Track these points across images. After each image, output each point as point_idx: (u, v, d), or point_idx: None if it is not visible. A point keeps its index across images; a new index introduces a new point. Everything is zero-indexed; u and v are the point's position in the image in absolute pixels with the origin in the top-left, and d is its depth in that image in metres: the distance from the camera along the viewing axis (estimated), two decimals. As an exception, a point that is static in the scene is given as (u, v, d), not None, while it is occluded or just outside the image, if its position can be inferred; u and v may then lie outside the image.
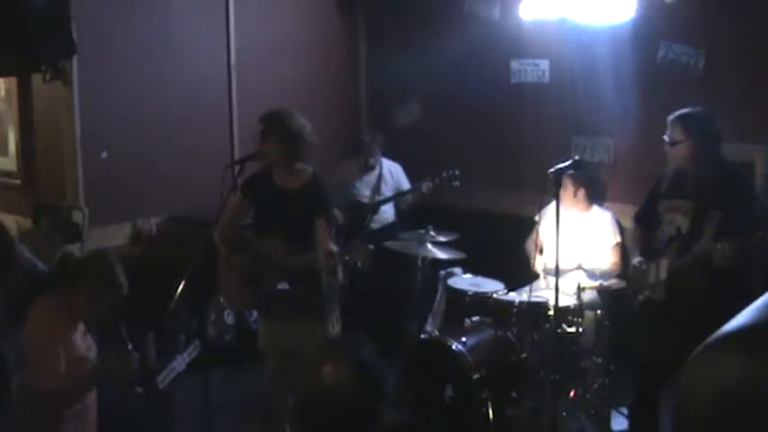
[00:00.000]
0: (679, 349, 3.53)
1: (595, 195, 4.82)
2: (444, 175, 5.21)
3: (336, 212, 5.14)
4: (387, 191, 5.56)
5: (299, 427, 1.91)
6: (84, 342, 3.10)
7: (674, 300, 3.62)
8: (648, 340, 3.76)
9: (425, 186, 5.29)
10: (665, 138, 3.72)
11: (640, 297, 3.79)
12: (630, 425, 4.02)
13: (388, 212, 5.59)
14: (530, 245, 4.74)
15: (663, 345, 3.61)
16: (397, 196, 5.55)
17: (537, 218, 4.50)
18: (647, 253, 3.85)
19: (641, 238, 3.98)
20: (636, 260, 3.89)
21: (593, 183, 4.78)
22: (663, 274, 3.66)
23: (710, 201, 3.58)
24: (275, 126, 3.66)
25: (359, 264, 3.58)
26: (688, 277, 3.58)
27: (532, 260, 4.74)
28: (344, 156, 5.93)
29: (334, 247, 3.57)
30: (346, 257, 3.55)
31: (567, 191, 4.58)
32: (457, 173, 5.19)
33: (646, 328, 3.81)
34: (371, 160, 5.60)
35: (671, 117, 3.71)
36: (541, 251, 4.76)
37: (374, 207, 5.45)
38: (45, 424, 2.98)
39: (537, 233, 4.49)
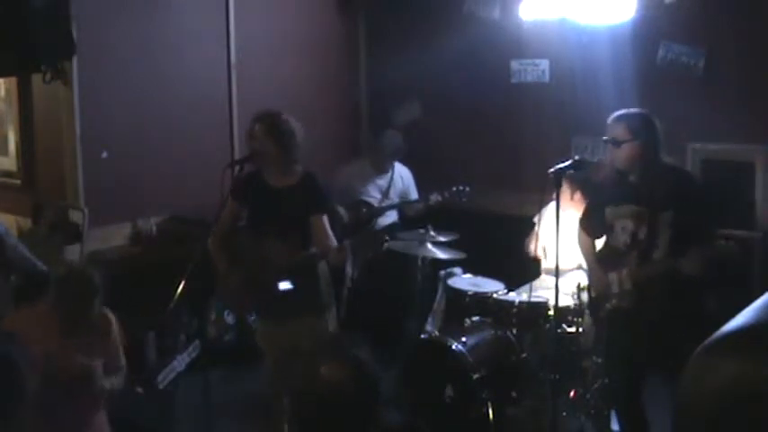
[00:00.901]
0: (654, 351, 3.56)
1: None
2: (454, 189, 5.14)
3: (341, 211, 5.15)
4: (394, 195, 5.53)
5: (296, 427, 1.91)
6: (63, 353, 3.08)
7: (643, 306, 3.59)
8: (621, 348, 3.72)
9: (433, 199, 5.25)
10: (606, 138, 3.64)
11: (608, 305, 3.76)
12: (620, 427, 4.02)
13: (390, 216, 5.57)
14: (530, 246, 4.74)
15: (637, 349, 3.61)
16: (404, 204, 5.53)
17: (536, 219, 4.49)
18: (603, 261, 3.80)
19: (590, 245, 3.91)
20: (595, 270, 3.83)
21: (591, 183, 4.76)
22: (627, 284, 3.62)
23: (660, 203, 3.53)
24: (275, 127, 3.68)
25: (369, 255, 3.57)
26: (652, 287, 3.55)
27: (534, 259, 4.73)
28: (343, 155, 5.92)
29: (343, 242, 3.58)
30: (360, 248, 3.55)
31: (565, 193, 4.57)
32: (467, 189, 5.11)
33: (618, 335, 3.77)
34: (387, 164, 5.56)
35: (612, 117, 3.63)
36: (544, 252, 4.76)
37: (379, 211, 5.44)
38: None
39: (536, 235, 4.49)
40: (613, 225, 3.70)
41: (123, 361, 3.36)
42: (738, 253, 3.39)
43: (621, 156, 3.61)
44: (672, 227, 3.51)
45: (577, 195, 4.64)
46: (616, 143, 3.59)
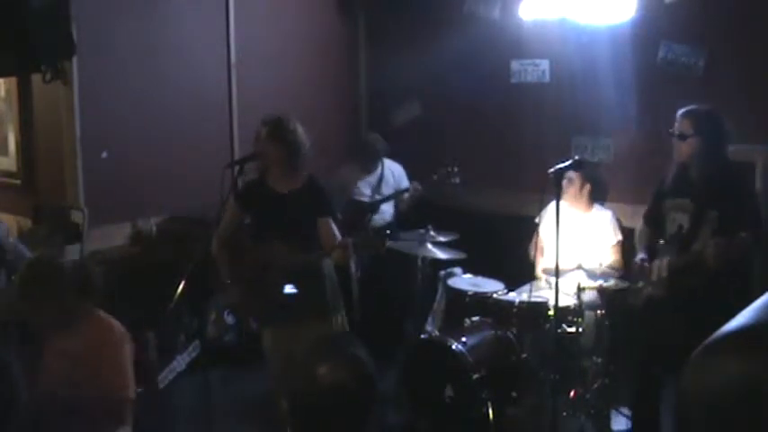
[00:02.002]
0: (680, 346, 3.57)
1: (599, 193, 4.83)
2: (444, 171, 5.17)
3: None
4: (387, 191, 5.56)
5: (295, 428, 1.90)
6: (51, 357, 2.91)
7: (675, 297, 3.63)
8: (650, 337, 3.76)
9: (412, 188, 5.31)
10: (673, 131, 3.71)
11: (644, 293, 3.81)
12: (633, 424, 4.02)
13: (387, 213, 5.58)
14: (532, 248, 4.73)
15: (665, 341, 3.62)
16: (395, 195, 5.55)
17: (537, 220, 4.49)
18: (650, 251, 3.87)
19: (648, 236, 4.00)
20: (638, 257, 3.91)
21: (599, 180, 4.78)
22: (664, 272, 3.68)
23: (709, 200, 3.59)
24: (281, 132, 3.68)
25: (372, 253, 3.56)
26: (687, 275, 3.58)
27: (535, 263, 4.74)
28: (344, 156, 5.92)
29: (348, 239, 3.57)
30: (361, 247, 3.54)
31: (574, 185, 4.58)
32: (455, 169, 5.14)
33: (648, 325, 3.81)
34: (371, 165, 5.58)
35: (681, 111, 3.71)
36: (543, 253, 4.76)
37: (373, 206, 5.44)
38: None
39: (538, 235, 4.49)
40: (666, 216, 3.79)
41: (128, 390, 2.86)
42: (750, 247, 3.40)
43: (683, 150, 3.69)
44: (715, 226, 3.54)
45: (587, 189, 4.65)
46: (681, 137, 3.66)
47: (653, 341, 3.74)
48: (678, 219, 3.72)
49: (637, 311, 3.93)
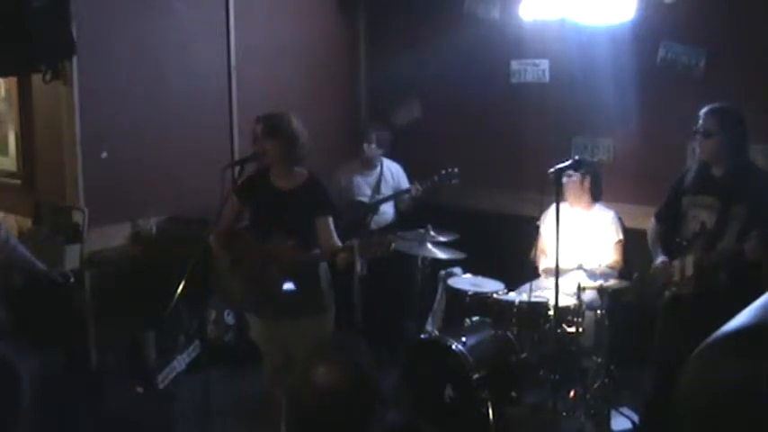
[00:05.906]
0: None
1: (597, 187, 4.82)
2: (443, 172, 5.17)
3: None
4: (386, 190, 5.55)
5: (293, 428, 1.90)
6: None
7: (701, 295, 3.60)
8: (675, 335, 3.71)
9: (414, 190, 5.29)
10: (697, 128, 3.69)
11: (667, 293, 3.78)
12: (643, 420, 3.99)
13: (387, 213, 5.58)
14: (536, 253, 4.71)
15: (689, 340, 3.59)
16: (396, 195, 5.54)
17: (539, 223, 4.47)
18: (669, 250, 3.84)
19: (662, 234, 3.96)
20: (659, 260, 3.87)
21: (597, 174, 4.77)
22: (689, 270, 3.65)
23: (736, 197, 3.57)
24: (276, 127, 3.68)
25: (378, 255, 3.55)
26: (715, 274, 3.56)
27: (539, 265, 4.73)
28: (344, 155, 5.92)
29: (353, 242, 3.56)
30: (366, 250, 3.52)
31: (574, 181, 4.56)
32: (456, 170, 5.15)
33: (673, 323, 3.77)
34: (372, 157, 5.52)
35: (706, 109, 3.70)
36: (546, 255, 4.74)
37: (374, 207, 5.44)
38: None
39: (540, 237, 4.48)
40: (686, 214, 3.76)
41: None
42: None
43: (708, 148, 3.68)
44: (742, 221, 3.53)
45: (587, 182, 4.64)
46: (706, 134, 3.65)
47: (678, 338, 3.64)
48: (700, 216, 3.68)
49: (661, 309, 3.88)
